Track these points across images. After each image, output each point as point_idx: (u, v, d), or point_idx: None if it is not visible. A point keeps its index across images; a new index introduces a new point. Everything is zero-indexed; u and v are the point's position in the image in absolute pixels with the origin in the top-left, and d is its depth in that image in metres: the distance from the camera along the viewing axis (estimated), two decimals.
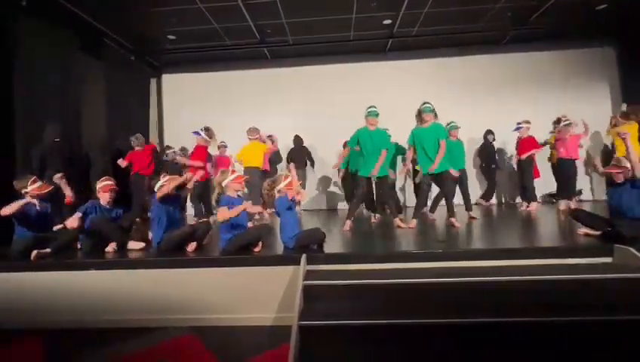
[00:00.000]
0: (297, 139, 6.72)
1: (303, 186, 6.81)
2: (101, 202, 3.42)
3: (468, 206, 4.68)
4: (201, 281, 2.77)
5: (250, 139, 5.07)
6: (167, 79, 7.60)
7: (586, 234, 3.01)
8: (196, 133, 4.78)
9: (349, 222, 3.90)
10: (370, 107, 4.01)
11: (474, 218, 4.37)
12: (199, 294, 2.75)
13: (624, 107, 5.84)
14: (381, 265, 2.66)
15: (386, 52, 7.08)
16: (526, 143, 5.21)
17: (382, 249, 3.09)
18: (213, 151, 5.40)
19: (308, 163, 6.74)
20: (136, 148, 5.45)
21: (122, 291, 2.79)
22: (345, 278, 2.48)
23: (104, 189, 3.43)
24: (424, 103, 3.85)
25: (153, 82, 7.56)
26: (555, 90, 6.82)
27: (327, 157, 6.90)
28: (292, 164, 6.45)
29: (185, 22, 5.61)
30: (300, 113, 7.26)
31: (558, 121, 5.02)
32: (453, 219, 3.79)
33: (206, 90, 7.48)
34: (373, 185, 4.28)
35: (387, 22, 5.93)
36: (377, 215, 4.70)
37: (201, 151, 4.78)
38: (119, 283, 2.81)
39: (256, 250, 2.93)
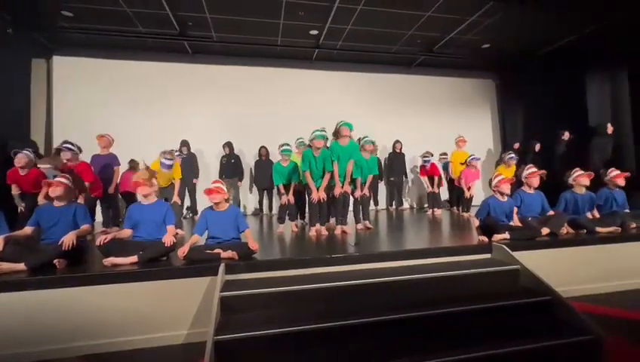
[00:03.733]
0: (229, 146, 6.43)
1: (237, 198, 6.51)
2: None
3: (365, 214, 4.60)
4: (99, 301, 2.39)
5: (168, 165, 4.33)
6: (61, 62, 6.44)
7: (499, 240, 3.21)
8: (67, 147, 4.22)
9: (323, 228, 4.04)
10: (315, 131, 3.86)
11: (369, 228, 4.42)
12: (95, 316, 2.37)
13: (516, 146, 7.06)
14: (301, 271, 2.69)
15: (313, 61, 7.29)
16: (435, 169, 6.36)
17: (301, 255, 3.12)
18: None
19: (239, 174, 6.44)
20: (20, 169, 4.00)
21: None
22: (264, 286, 2.44)
23: None
24: (342, 121, 3.96)
25: (40, 63, 6.31)
26: (451, 110, 8.05)
27: (252, 163, 6.71)
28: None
29: None
30: (222, 115, 6.96)
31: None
32: (344, 227, 4.08)
33: (111, 80, 6.58)
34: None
35: (314, 32, 6.12)
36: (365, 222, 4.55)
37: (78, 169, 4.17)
38: None
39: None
